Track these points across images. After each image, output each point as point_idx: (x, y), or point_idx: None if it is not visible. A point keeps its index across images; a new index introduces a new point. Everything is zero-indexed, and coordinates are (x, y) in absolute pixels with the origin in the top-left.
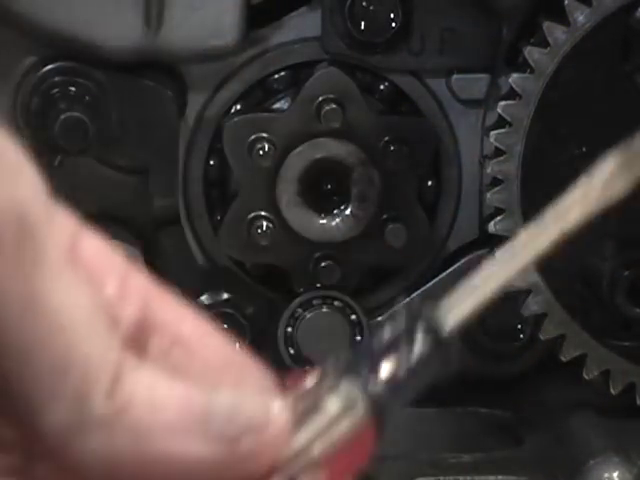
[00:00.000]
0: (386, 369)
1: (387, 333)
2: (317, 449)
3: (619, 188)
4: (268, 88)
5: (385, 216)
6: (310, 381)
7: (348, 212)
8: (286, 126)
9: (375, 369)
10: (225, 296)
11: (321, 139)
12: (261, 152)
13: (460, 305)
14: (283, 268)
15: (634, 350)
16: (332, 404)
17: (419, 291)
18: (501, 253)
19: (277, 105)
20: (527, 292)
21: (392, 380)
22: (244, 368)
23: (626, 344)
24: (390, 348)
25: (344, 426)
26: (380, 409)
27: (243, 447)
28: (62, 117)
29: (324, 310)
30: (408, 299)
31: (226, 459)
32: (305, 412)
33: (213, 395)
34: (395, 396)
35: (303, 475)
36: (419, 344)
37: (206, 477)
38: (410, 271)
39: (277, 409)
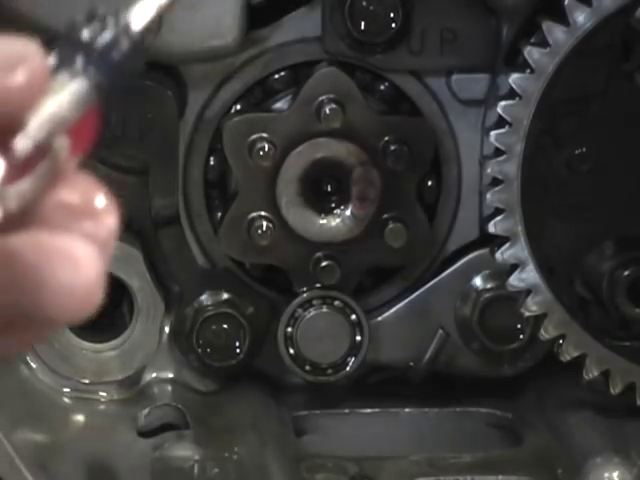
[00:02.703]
0: (100, 47)
1: (83, 29)
2: (59, 119)
3: None
4: (268, 88)
5: (385, 216)
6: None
7: (348, 212)
8: (286, 126)
9: (88, 55)
10: (225, 296)
11: (321, 139)
12: (261, 152)
13: (148, 5)
14: (283, 268)
15: (634, 350)
16: (59, 86)
17: (419, 291)
18: None
19: (277, 105)
20: (527, 292)
21: (105, 59)
22: None
23: (626, 344)
24: (91, 40)
25: (73, 104)
26: (99, 88)
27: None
28: None
29: (324, 310)
30: None
31: None
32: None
33: None
34: (110, 74)
35: (50, 139)
36: (114, 33)
37: None
38: (410, 271)
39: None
